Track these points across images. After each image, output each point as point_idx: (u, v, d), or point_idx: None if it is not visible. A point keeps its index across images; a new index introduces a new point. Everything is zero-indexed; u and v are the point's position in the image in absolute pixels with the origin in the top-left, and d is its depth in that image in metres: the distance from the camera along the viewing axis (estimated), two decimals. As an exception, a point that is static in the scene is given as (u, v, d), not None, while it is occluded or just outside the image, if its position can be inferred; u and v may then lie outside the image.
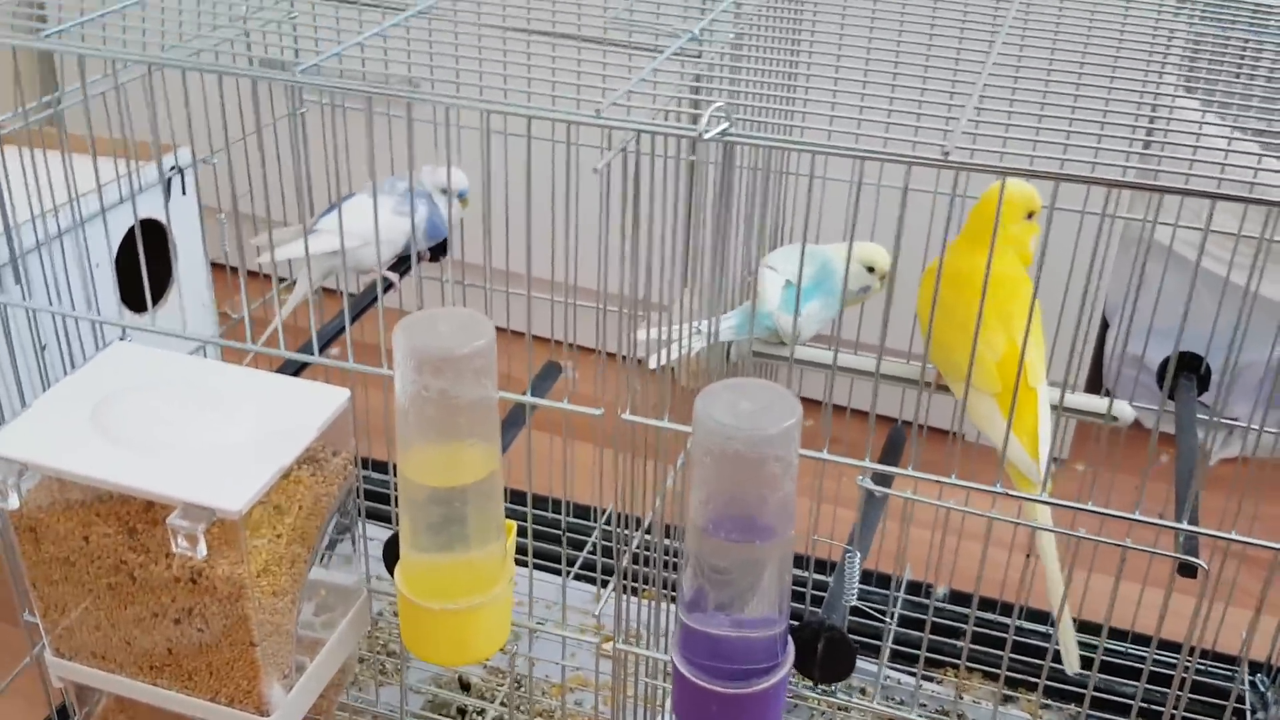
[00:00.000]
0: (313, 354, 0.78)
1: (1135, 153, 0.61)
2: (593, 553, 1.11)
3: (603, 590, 1.04)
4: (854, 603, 0.71)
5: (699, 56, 0.67)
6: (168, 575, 0.65)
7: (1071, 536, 0.70)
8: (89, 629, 0.69)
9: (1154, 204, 0.83)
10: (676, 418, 0.70)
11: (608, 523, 1.11)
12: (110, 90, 0.82)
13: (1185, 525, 0.66)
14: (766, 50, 0.75)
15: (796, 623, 0.68)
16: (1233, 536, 0.65)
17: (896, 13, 0.76)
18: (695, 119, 0.60)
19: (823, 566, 1.11)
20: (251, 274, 0.87)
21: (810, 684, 0.74)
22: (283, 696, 0.69)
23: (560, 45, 0.68)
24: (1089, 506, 0.66)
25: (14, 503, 0.65)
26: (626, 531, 0.73)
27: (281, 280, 1.01)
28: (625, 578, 0.74)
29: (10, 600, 1.03)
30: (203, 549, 0.60)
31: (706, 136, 0.59)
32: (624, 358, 0.68)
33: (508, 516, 0.70)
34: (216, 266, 1.17)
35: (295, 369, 0.83)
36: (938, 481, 0.67)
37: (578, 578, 1.09)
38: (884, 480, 0.72)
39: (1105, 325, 1.41)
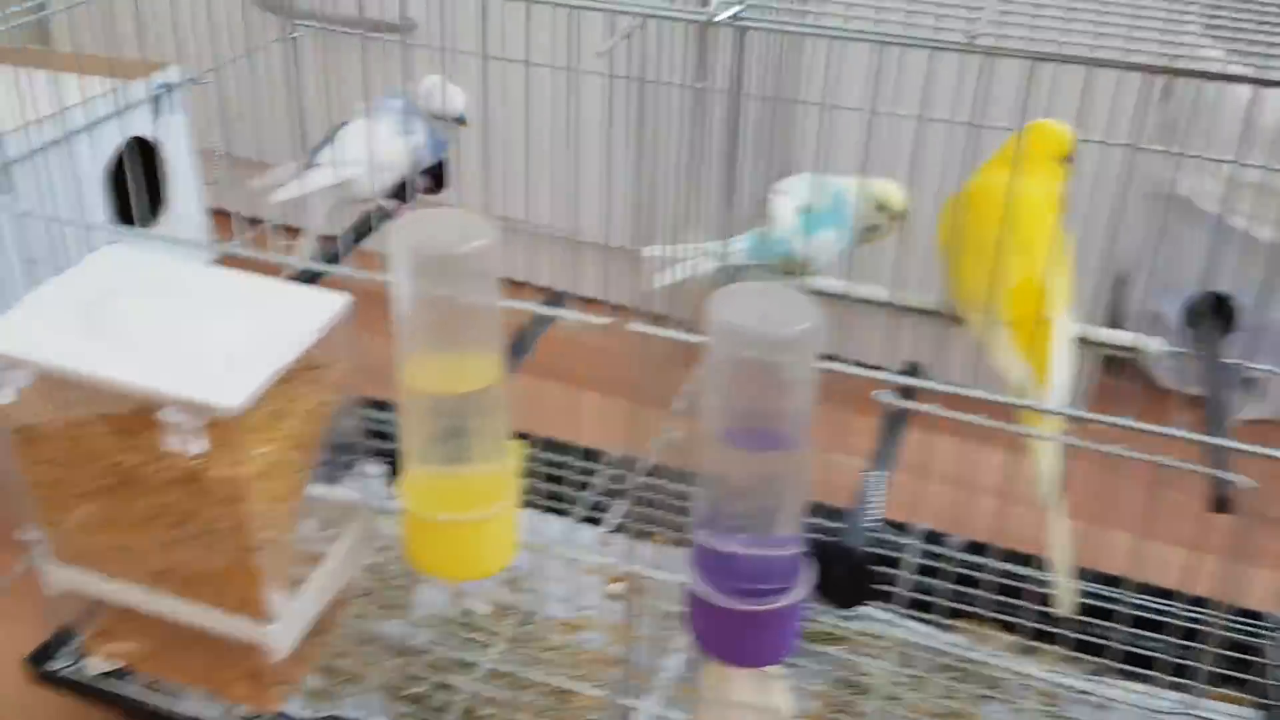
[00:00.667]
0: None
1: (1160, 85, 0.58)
2: (602, 495, 1.08)
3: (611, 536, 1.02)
4: (875, 524, 0.69)
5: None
6: (164, 477, 0.63)
7: (1107, 453, 0.67)
8: (87, 535, 0.67)
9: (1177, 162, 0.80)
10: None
11: (613, 465, 1.09)
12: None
13: (1220, 439, 0.64)
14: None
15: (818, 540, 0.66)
16: (1274, 452, 0.62)
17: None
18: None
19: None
20: (251, 220, 0.84)
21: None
22: (286, 605, 0.67)
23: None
24: (1120, 420, 0.63)
25: (5, 398, 0.63)
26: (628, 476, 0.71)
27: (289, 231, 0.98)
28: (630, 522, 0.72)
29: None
30: (199, 445, 0.58)
31: (718, 19, 0.56)
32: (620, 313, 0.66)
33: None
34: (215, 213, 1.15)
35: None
36: (965, 396, 0.64)
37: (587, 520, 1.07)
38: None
39: (1124, 282, 1.38)
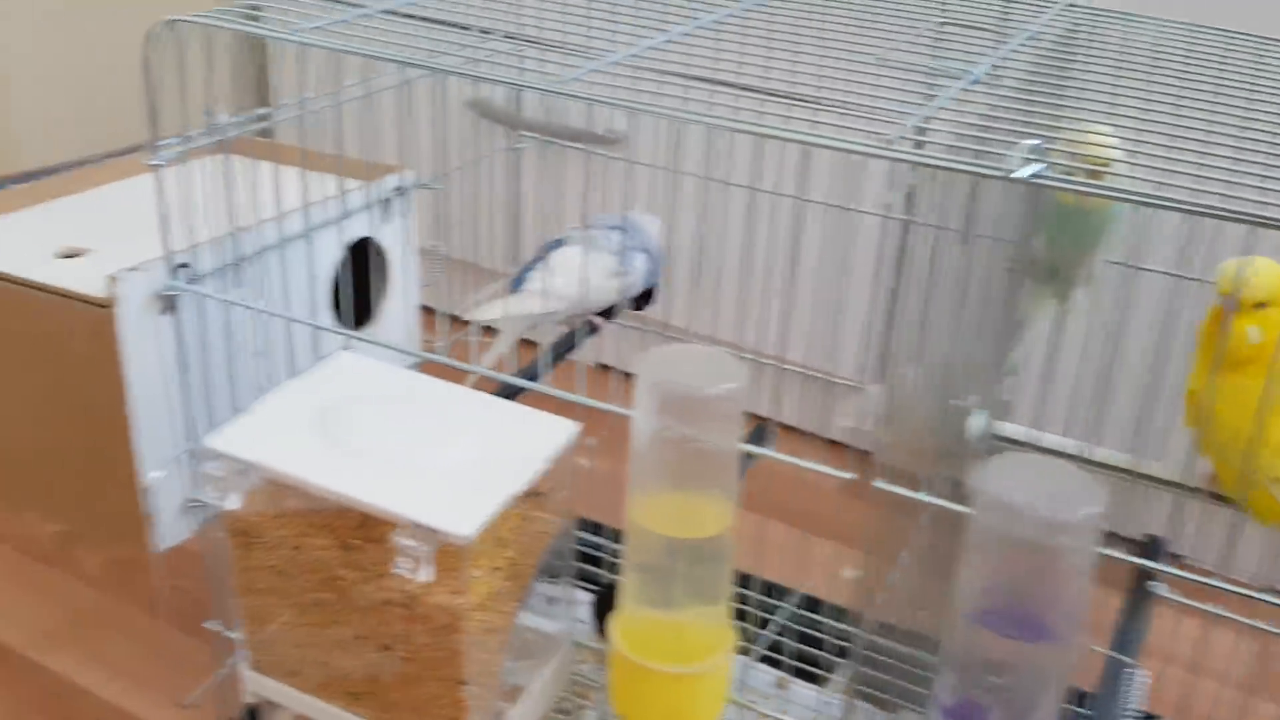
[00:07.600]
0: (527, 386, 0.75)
1: None
2: (814, 646, 1.03)
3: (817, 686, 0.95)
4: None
5: (992, 92, 0.62)
6: (379, 597, 0.61)
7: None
8: (288, 645, 0.65)
9: None
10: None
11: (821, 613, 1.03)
12: (355, 100, 0.81)
13: None
14: (1065, 92, 0.69)
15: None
16: None
17: (1214, 74, 0.69)
18: (979, 156, 0.54)
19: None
20: (455, 319, 0.84)
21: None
22: (484, 744, 0.64)
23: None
24: None
25: (233, 503, 0.62)
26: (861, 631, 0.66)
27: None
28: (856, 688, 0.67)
29: (188, 611, 1.01)
30: (428, 573, 0.56)
31: (1015, 176, 0.53)
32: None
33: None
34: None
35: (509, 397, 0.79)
36: (1244, 595, 0.58)
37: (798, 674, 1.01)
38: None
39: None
